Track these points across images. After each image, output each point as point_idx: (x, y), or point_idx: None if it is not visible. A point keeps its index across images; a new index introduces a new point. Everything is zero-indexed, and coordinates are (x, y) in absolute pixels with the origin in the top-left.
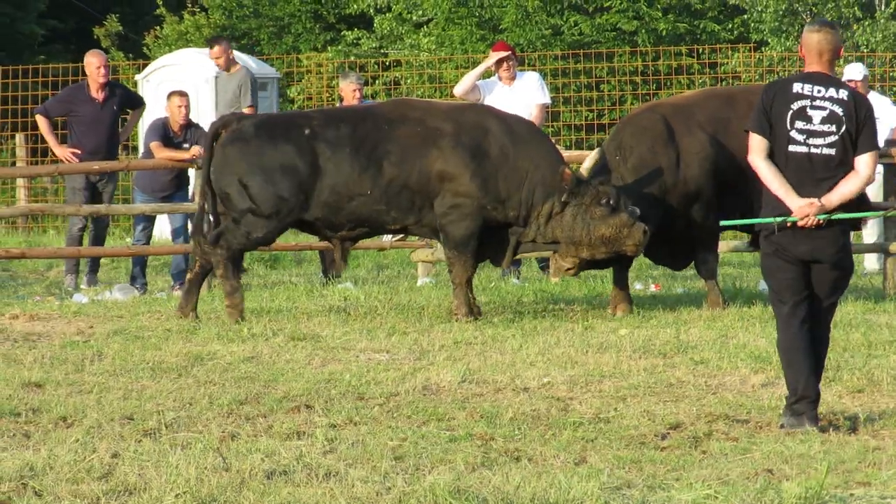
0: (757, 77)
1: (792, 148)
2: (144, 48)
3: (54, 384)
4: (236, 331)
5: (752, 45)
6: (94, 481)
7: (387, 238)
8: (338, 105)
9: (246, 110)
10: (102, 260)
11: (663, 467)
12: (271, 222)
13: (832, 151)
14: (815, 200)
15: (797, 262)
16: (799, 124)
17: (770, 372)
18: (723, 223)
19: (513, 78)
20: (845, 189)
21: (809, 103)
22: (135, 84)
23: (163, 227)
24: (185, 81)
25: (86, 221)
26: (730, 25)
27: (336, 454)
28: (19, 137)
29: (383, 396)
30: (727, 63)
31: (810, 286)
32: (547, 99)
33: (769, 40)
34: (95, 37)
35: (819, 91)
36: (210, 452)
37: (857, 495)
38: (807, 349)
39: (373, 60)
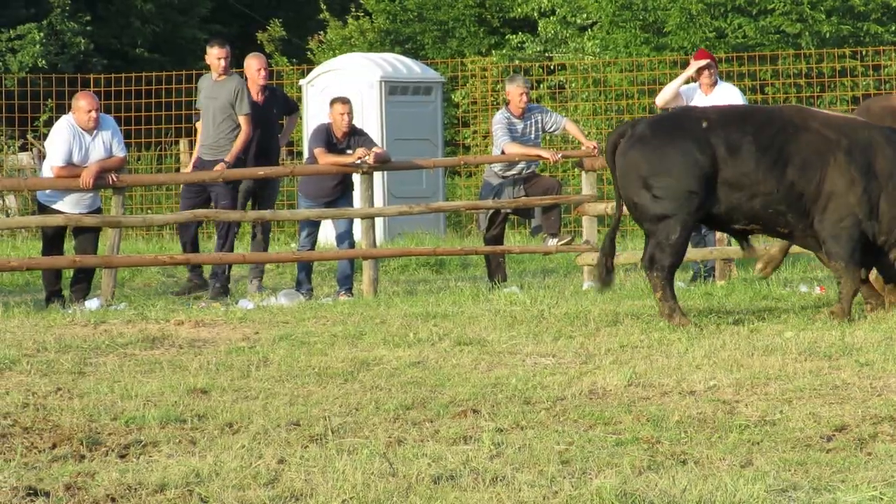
0: None
1: None
2: (308, 53)
3: (220, 390)
4: (402, 336)
5: None
6: (260, 487)
7: (552, 242)
8: (503, 109)
9: (242, 119)
10: (268, 266)
11: (829, 469)
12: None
13: None
14: None
15: None
16: None
17: None
18: None
19: (713, 85)
20: None
21: None
22: (299, 89)
23: (328, 233)
24: (348, 86)
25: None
26: (893, 27)
27: (503, 458)
28: (183, 143)
29: (550, 400)
30: (891, 65)
31: None
32: None
33: None
34: (259, 41)
35: None
36: (376, 458)
37: None
38: None
39: (537, 64)
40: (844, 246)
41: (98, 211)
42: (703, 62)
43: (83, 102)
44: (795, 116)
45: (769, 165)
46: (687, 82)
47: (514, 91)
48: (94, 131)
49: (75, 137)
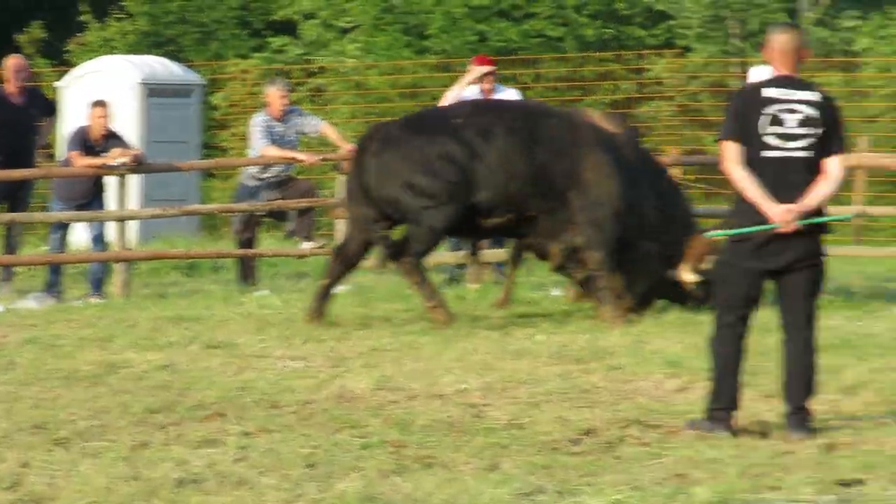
0: (682, 83)
1: (766, 153)
2: (68, 55)
3: None
4: (152, 339)
5: (677, 50)
6: (2, 491)
7: (306, 245)
8: (262, 112)
9: None
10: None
11: (575, 473)
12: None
13: (807, 154)
14: (792, 206)
15: (756, 274)
16: (773, 129)
17: (684, 377)
18: (714, 234)
19: (492, 91)
20: (821, 191)
21: (782, 107)
22: (55, 91)
23: (80, 235)
24: (108, 88)
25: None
26: (655, 31)
27: (248, 462)
28: None
29: (297, 404)
30: (652, 69)
31: (759, 301)
32: None
33: (694, 46)
34: (16, 44)
35: (791, 94)
36: (120, 461)
37: (768, 499)
38: (742, 361)
39: (298, 67)
40: (604, 236)
41: None
42: (486, 68)
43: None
44: (540, 105)
45: (521, 148)
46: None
47: (275, 94)
48: None
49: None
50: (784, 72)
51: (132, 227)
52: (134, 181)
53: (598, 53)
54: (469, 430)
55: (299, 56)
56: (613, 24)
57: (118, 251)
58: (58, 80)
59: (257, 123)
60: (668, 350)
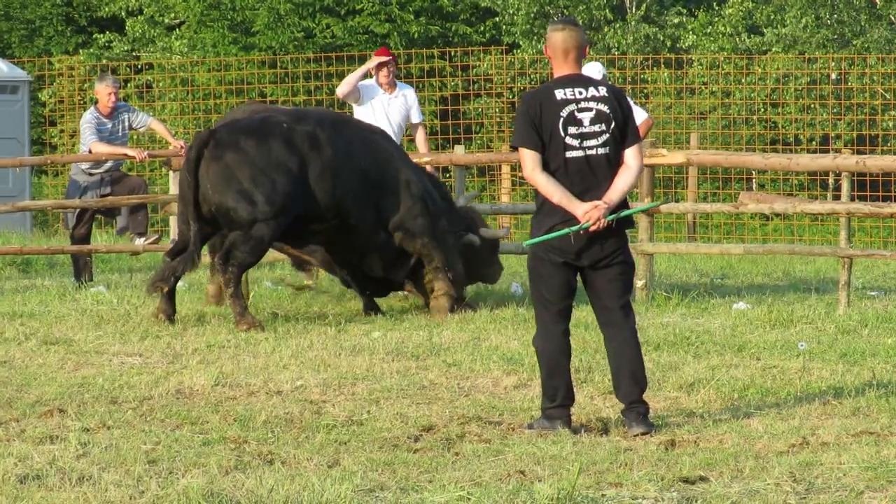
0: (509, 79)
1: (570, 154)
2: None
3: None
4: None
5: (504, 47)
6: None
7: (139, 241)
8: (91, 108)
9: None
10: None
11: (416, 469)
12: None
13: (607, 150)
14: (598, 203)
15: (567, 267)
16: (572, 129)
17: (522, 374)
18: (527, 243)
19: (392, 85)
20: (622, 184)
21: (576, 107)
22: None
23: None
24: None
25: None
26: (482, 28)
27: (89, 458)
28: None
29: (137, 400)
30: (479, 65)
31: (574, 293)
32: (422, 117)
33: (521, 43)
34: None
35: (581, 93)
36: None
37: (609, 496)
38: (568, 357)
39: (125, 63)
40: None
41: None
42: (383, 58)
43: None
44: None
45: (346, 154)
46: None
47: (103, 90)
48: None
49: None
50: (568, 70)
51: None
52: None
53: (424, 50)
54: (309, 427)
55: (126, 52)
56: (439, 20)
57: None
58: None
59: (87, 120)
60: (505, 347)
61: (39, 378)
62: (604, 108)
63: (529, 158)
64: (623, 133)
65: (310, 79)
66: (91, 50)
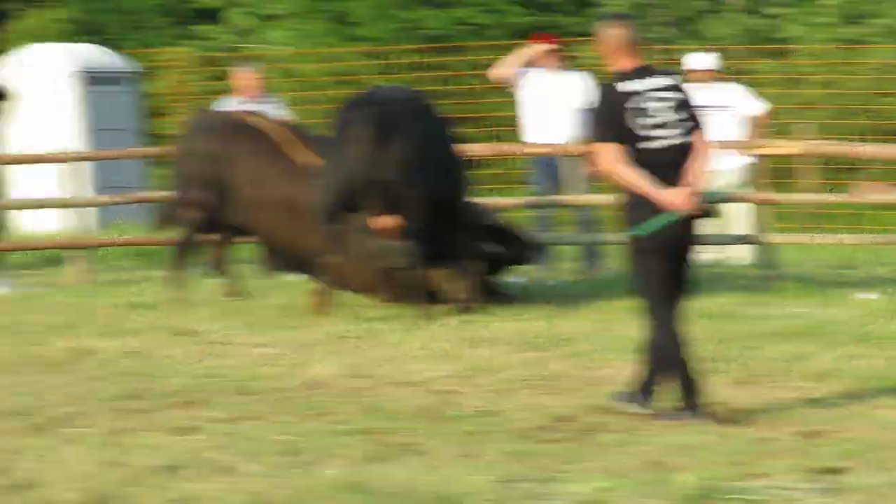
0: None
1: (645, 144)
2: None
3: None
4: (116, 325)
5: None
6: None
7: None
8: (221, 98)
9: None
10: None
11: (555, 460)
12: None
13: (679, 138)
14: (684, 188)
15: (669, 257)
16: (644, 120)
17: None
18: (635, 232)
19: (558, 70)
20: (699, 168)
21: (646, 97)
22: None
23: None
24: (42, 76)
25: None
26: (579, 19)
27: (228, 449)
28: None
29: (268, 391)
30: (580, 56)
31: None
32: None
33: None
34: None
35: (649, 83)
36: (101, 448)
37: (752, 487)
38: (686, 348)
39: (227, 55)
40: None
41: None
42: (544, 46)
43: None
44: None
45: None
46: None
47: (244, 77)
48: None
49: None
50: (629, 63)
51: (92, 214)
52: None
53: (523, 41)
54: (443, 418)
55: (229, 44)
56: (538, 12)
57: (76, 238)
58: None
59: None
60: (629, 336)
61: (169, 369)
62: (671, 96)
63: (609, 152)
64: (689, 118)
65: (414, 69)
66: (193, 41)
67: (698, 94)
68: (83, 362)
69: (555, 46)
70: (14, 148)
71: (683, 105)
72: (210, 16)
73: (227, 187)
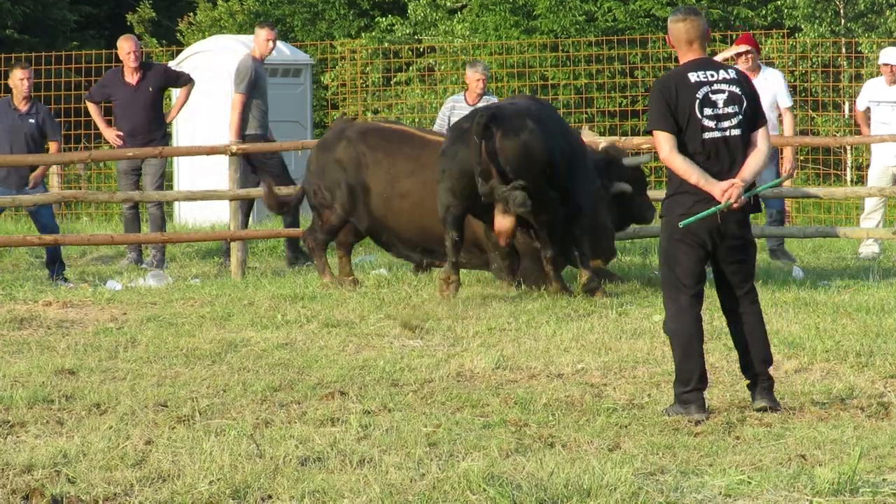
0: (790, 63)
1: (707, 135)
2: (178, 34)
3: (88, 371)
4: (270, 317)
5: (785, 31)
6: (127, 468)
7: None
8: (456, 95)
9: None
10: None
11: (696, 453)
12: None
13: (740, 131)
14: (735, 181)
15: (702, 250)
16: (707, 111)
17: (803, 358)
18: (682, 223)
19: (755, 69)
20: (755, 164)
21: (710, 89)
22: None
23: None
24: (218, 68)
25: (134, 204)
26: (763, 11)
27: (370, 441)
28: None
29: (417, 383)
30: (762, 49)
31: (705, 277)
32: (790, 102)
33: (802, 26)
34: (128, 23)
35: (713, 75)
36: (244, 439)
37: (890, 480)
38: (702, 340)
39: (406, 47)
40: None
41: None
42: (742, 48)
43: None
44: None
45: None
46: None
47: (472, 77)
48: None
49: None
50: (692, 56)
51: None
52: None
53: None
54: (589, 410)
55: (408, 36)
56: (721, 4)
57: (234, 230)
58: (168, 59)
59: (448, 106)
60: (786, 331)
61: (321, 360)
62: (735, 89)
63: (665, 141)
64: (753, 114)
65: (591, 62)
66: (373, 33)
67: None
68: (234, 354)
69: (748, 49)
70: (188, 139)
71: (745, 100)
72: (396, 8)
73: (361, 191)
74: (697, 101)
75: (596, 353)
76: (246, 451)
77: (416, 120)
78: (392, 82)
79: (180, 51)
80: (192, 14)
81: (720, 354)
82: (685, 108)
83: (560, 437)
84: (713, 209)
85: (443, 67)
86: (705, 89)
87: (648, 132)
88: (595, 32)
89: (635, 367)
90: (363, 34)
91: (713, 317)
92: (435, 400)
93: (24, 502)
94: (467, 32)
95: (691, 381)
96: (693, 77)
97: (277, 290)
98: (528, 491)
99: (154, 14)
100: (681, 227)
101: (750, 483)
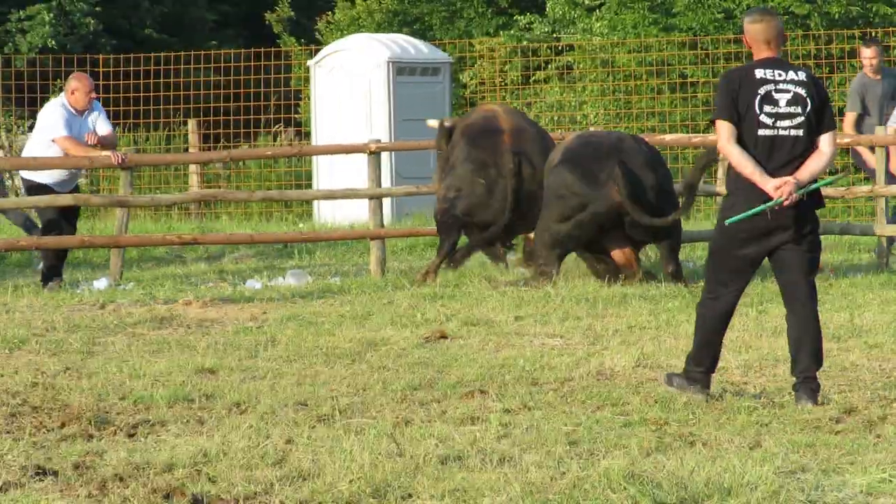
0: None
1: (762, 132)
2: (316, 33)
3: (228, 370)
4: (409, 316)
5: None
6: (267, 467)
7: None
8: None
9: None
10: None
11: (838, 451)
12: None
13: (799, 132)
14: (788, 178)
15: (754, 247)
16: (767, 108)
17: None
18: (729, 221)
19: (877, 72)
20: (813, 166)
21: (774, 87)
22: (307, 69)
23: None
24: (356, 67)
25: None
26: None
27: (510, 439)
28: (191, 123)
29: (557, 381)
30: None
31: (753, 274)
32: None
33: None
34: (267, 22)
35: (780, 75)
36: (384, 438)
37: None
38: (726, 328)
39: (545, 45)
40: None
41: (76, 190)
42: (870, 51)
43: (85, 83)
44: None
45: None
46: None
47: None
48: (85, 113)
49: (69, 117)
50: (767, 55)
51: (386, 205)
52: (385, 159)
53: (845, 31)
54: (730, 408)
55: (546, 34)
56: (859, 1)
57: (373, 229)
58: (306, 58)
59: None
60: None
61: (461, 359)
62: (801, 91)
63: (725, 130)
64: (819, 118)
65: (730, 59)
66: (511, 31)
67: None
68: (374, 352)
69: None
70: (328, 138)
71: (811, 103)
72: (535, 7)
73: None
74: (758, 97)
75: (736, 351)
76: (386, 449)
77: (555, 118)
78: (530, 80)
79: (318, 50)
80: (330, 13)
81: (860, 352)
82: (746, 102)
83: (700, 436)
84: (761, 207)
85: (581, 65)
86: (769, 87)
87: (712, 122)
88: (734, 30)
89: (775, 365)
90: (501, 32)
91: (853, 315)
92: (575, 398)
93: (165, 501)
94: (605, 30)
95: (704, 363)
96: (759, 73)
97: (417, 288)
98: (669, 489)
99: (292, 13)
100: (727, 224)
101: (891, 482)
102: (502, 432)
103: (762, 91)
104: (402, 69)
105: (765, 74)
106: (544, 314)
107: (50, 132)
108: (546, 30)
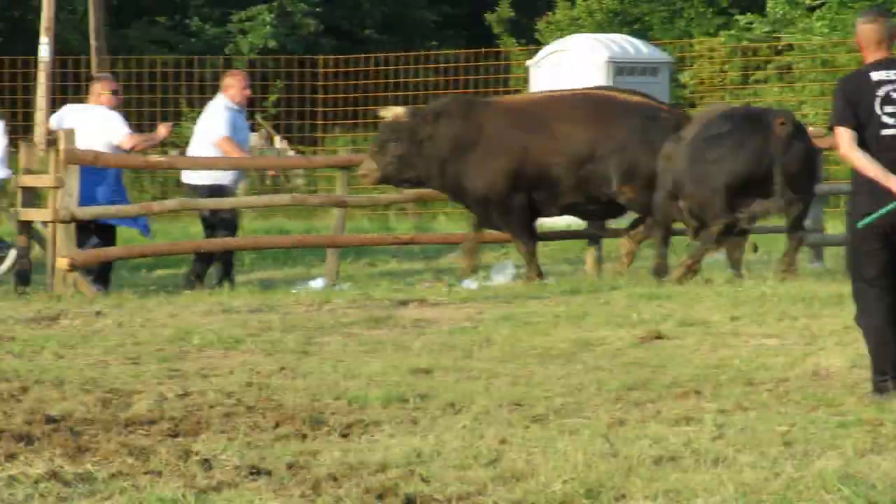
0: None
1: (886, 132)
2: (536, 33)
3: (442, 370)
4: (625, 316)
5: None
6: (481, 467)
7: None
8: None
9: None
10: None
11: None
12: None
13: None
14: None
15: (890, 242)
16: (888, 108)
17: None
18: (861, 223)
19: None
20: None
21: (892, 87)
22: (526, 70)
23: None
24: (576, 67)
25: None
26: None
27: (724, 440)
28: None
29: (772, 382)
30: None
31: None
32: None
33: None
34: (487, 22)
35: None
36: (598, 438)
37: None
38: (894, 328)
39: (765, 45)
40: None
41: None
42: None
43: (239, 79)
44: None
45: None
46: None
47: None
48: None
49: (232, 116)
50: (879, 55)
51: None
52: None
53: None
54: None
55: (766, 34)
56: None
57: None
58: (526, 59)
59: None
60: None
61: (676, 359)
62: None
63: (846, 136)
64: None
65: None
66: (731, 31)
67: None
68: (589, 352)
69: None
70: None
71: None
72: (755, 6)
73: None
74: (878, 98)
75: None
76: (600, 450)
77: None
78: (750, 80)
79: (538, 50)
80: (550, 13)
81: None
82: (866, 106)
83: None
84: (892, 206)
85: (801, 66)
86: (887, 87)
87: (830, 129)
88: None
89: None
90: (721, 32)
91: None
92: (790, 399)
93: (379, 501)
94: (826, 30)
95: (888, 370)
96: (875, 76)
97: (633, 288)
98: (884, 490)
99: (513, 13)
100: (859, 227)
101: None
102: (716, 433)
103: (881, 93)
104: (621, 69)
105: (881, 75)
106: (760, 314)
107: (212, 134)
108: (766, 29)
